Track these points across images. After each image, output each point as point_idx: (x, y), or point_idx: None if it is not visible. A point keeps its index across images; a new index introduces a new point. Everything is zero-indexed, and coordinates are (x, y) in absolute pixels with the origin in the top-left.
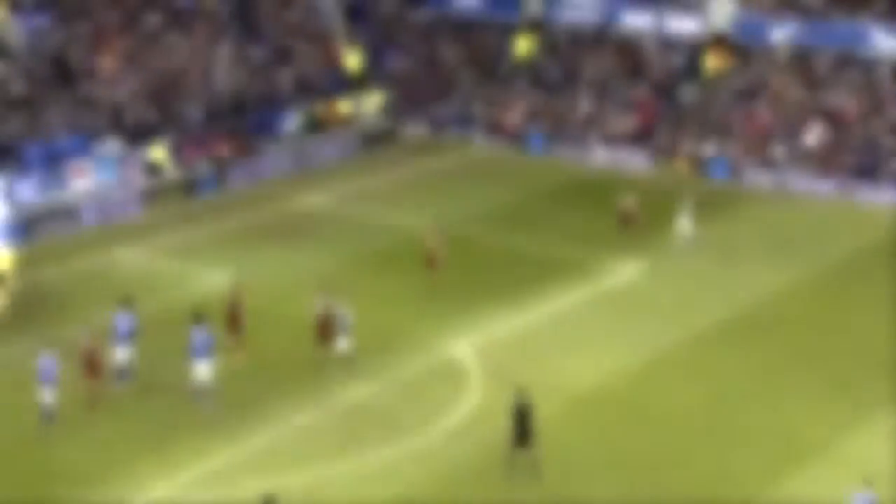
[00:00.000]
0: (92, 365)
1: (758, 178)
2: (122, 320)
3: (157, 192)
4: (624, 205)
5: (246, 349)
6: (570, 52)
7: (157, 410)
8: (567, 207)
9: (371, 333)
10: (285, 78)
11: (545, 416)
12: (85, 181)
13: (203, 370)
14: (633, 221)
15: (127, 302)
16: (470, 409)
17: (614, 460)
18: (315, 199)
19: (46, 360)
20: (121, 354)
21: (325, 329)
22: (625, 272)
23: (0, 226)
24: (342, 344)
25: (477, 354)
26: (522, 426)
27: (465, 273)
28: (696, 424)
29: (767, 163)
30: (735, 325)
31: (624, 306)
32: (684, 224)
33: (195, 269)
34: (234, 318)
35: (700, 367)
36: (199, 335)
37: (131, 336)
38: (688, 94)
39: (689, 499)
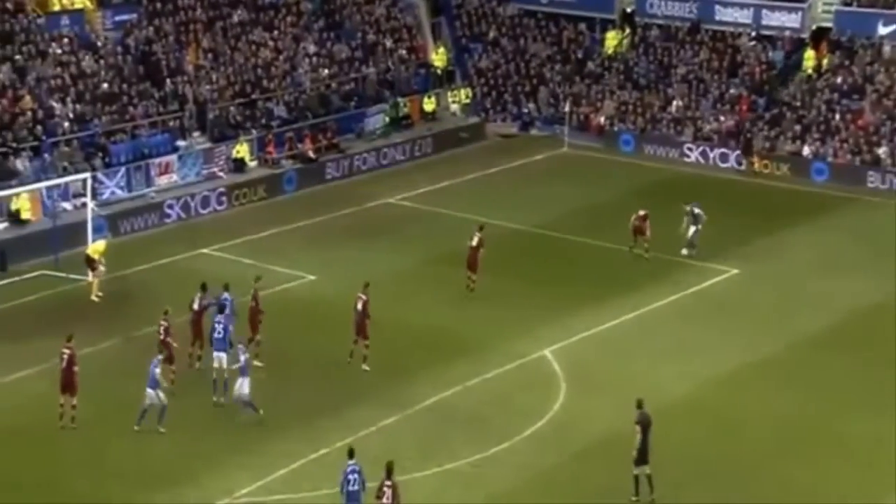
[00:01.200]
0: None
1: (861, 181)
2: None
3: (240, 189)
4: (635, 218)
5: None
6: (662, 47)
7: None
8: (657, 208)
9: (454, 334)
10: (370, 74)
11: (630, 422)
12: (170, 177)
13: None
14: (642, 235)
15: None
16: (555, 415)
17: (704, 470)
18: (399, 197)
19: (155, 366)
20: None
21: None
22: (717, 276)
23: (91, 219)
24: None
25: (562, 358)
26: (644, 441)
27: (550, 274)
28: (790, 435)
29: (871, 164)
30: (833, 333)
31: (715, 311)
32: (688, 230)
33: (276, 267)
34: (252, 318)
35: (795, 376)
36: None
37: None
38: (787, 91)
39: None
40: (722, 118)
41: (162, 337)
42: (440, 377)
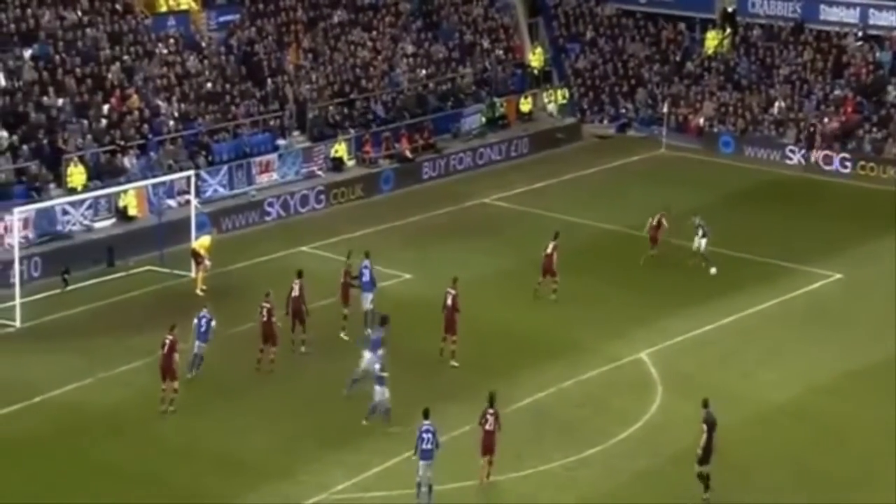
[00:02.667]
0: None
1: None
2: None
3: (338, 188)
4: (651, 224)
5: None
6: (764, 47)
7: (341, 408)
8: (758, 211)
9: (549, 336)
10: (467, 75)
11: (729, 427)
12: (270, 176)
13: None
14: (654, 241)
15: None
16: (650, 419)
17: (800, 478)
18: (495, 197)
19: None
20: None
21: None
22: (819, 280)
23: (194, 217)
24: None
25: (658, 362)
26: (709, 441)
27: (646, 276)
28: (891, 447)
29: None
30: None
31: (816, 317)
32: (700, 245)
33: (374, 266)
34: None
35: None
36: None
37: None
38: (895, 93)
39: None
40: (826, 120)
41: (264, 319)
42: (534, 378)
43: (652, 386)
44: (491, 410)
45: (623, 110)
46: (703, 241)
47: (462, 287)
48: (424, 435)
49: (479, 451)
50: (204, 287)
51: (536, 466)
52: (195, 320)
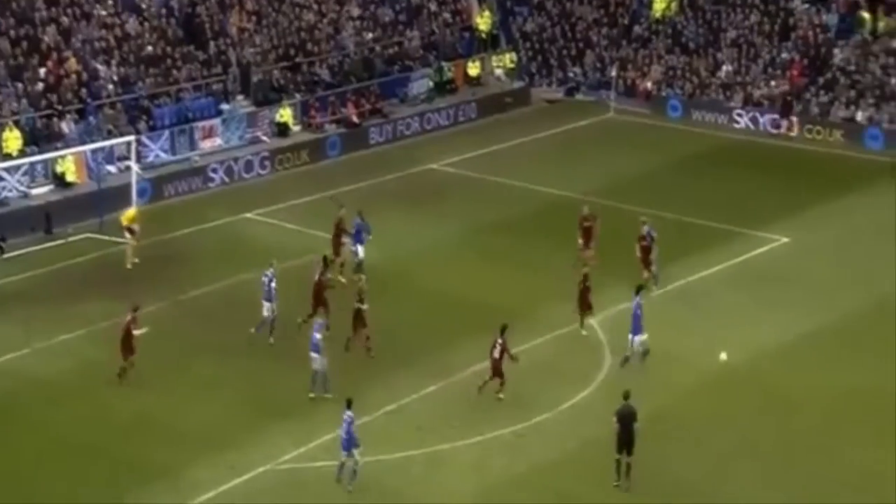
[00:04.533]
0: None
1: None
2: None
3: (284, 154)
4: (582, 218)
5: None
6: (712, 10)
7: (287, 379)
8: (706, 176)
9: (497, 303)
10: (414, 38)
11: (678, 392)
12: (213, 141)
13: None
14: (588, 240)
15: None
16: (599, 385)
17: (745, 446)
18: (443, 163)
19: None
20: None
21: None
22: (767, 245)
23: (135, 182)
24: None
25: (607, 328)
26: (627, 432)
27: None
28: (841, 414)
29: None
30: (889, 303)
31: (765, 281)
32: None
33: (319, 232)
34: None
35: (849, 351)
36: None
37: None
38: (841, 55)
39: (822, 494)
40: (773, 83)
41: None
42: (484, 345)
43: (601, 352)
44: (500, 340)
45: (571, 74)
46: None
47: (408, 254)
48: (344, 424)
49: (489, 374)
50: (135, 260)
51: (486, 433)
52: (262, 278)
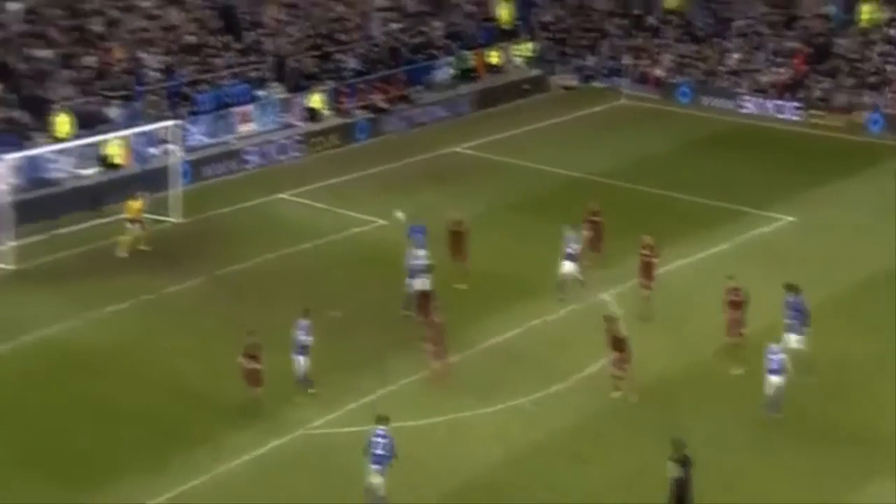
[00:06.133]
0: None
1: None
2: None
3: (315, 137)
4: (588, 211)
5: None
6: (721, 0)
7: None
8: (714, 158)
9: (517, 278)
10: (438, 28)
11: (686, 369)
12: (249, 125)
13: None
14: (596, 245)
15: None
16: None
17: (744, 411)
18: (465, 146)
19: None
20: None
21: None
22: (773, 223)
23: (176, 164)
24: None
25: (621, 302)
26: (682, 492)
27: (610, 222)
28: (839, 378)
29: None
30: (889, 277)
31: (771, 258)
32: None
33: (349, 212)
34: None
35: (851, 319)
36: None
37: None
38: (843, 44)
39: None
40: (779, 71)
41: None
42: (502, 319)
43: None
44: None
45: (586, 62)
46: (568, 266)
47: (433, 230)
48: (377, 440)
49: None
50: (145, 248)
51: (505, 402)
52: (297, 331)
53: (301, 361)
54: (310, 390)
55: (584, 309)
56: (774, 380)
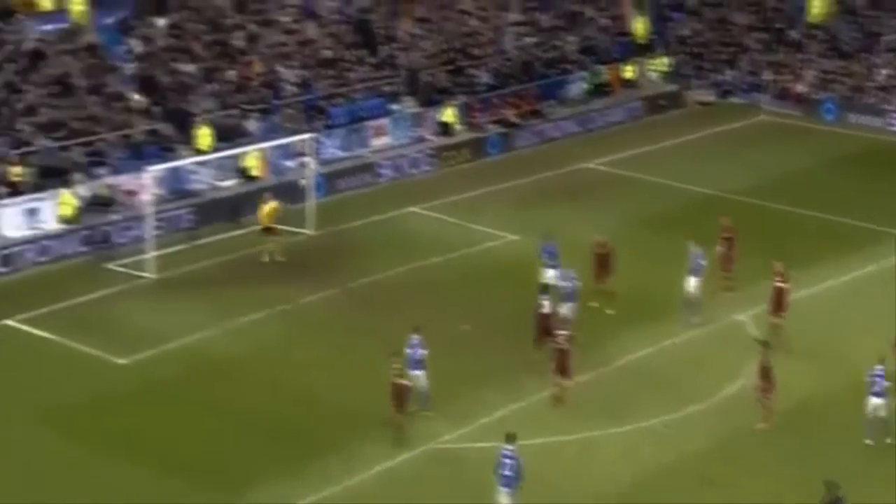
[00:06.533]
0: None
1: None
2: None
3: (447, 151)
4: (721, 228)
5: None
6: (869, 14)
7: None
8: (860, 178)
9: (650, 297)
10: (572, 43)
11: (826, 392)
12: (382, 139)
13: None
14: (605, 270)
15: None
16: (749, 380)
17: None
18: (598, 161)
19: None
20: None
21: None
22: None
23: (312, 177)
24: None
25: (757, 324)
26: None
27: (746, 241)
28: None
29: None
30: None
31: None
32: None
33: (480, 226)
34: (602, 269)
35: None
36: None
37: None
38: None
39: None
40: None
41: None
42: (635, 337)
43: (751, 347)
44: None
45: (725, 77)
46: (693, 280)
47: (564, 246)
48: (505, 461)
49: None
50: (281, 258)
51: (636, 422)
52: (409, 350)
53: (420, 377)
54: (425, 412)
55: (718, 329)
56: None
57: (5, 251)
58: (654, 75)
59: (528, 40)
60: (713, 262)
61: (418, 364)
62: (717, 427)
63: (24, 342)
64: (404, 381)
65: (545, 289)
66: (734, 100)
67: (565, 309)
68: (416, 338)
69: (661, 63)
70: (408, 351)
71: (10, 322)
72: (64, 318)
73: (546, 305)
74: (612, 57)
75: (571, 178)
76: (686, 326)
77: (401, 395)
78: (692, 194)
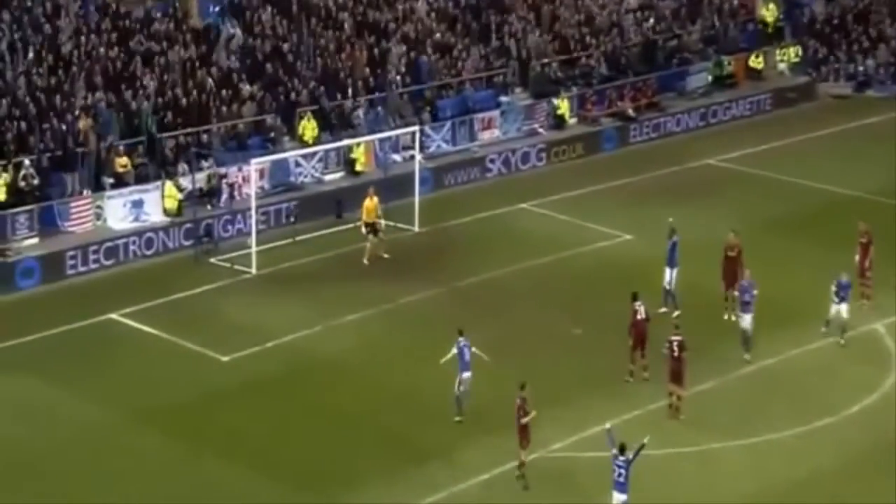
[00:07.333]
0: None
1: None
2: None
3: (559, 146)
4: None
5: None
6: None
7: (558, 367)
8: None
9: (775, 302)
10: (695, 31)
11: None
12: (492, 132)
13: None
14: (864, 271)
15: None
16: (886, 392)
17: None
18: (720, 158)
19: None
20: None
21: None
22: None
23: (418, 171)
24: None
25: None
26: None
27: (883, 245)
28: None
29: None
30: None
31: None
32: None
33: (593, 225)
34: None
35: None
36: None
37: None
38: None
39: None
40: None
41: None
42: (762, 344)
43: (886, 358)
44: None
45: (862, 69)
46: (839, 307)
47: (684, 249)
48: (618, 469)
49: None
50: (384, 255)
51: (762, 434)
52: (457, 349)
53: (468, 379)
54: (456, 418)
55: (852, 339)
56: None
57: (109, 243)
58: (783, 66)
59: (648, 27)
60: (853, 275)
61: (467, 365)
62: (853, 442)
63: (127, 336)
64: (529, 420)
65: (636, 296)
66: (871, 93)
67: (745, 322)
68: (462, 339)
69: (791, 52)
70: (459, 352)
71: (113, 315)
72: (167, 313)
73: (642, 311)
74: (738, 46)
75: (691, 175)
76: (815, 335)
77: (526, 434)
78: (823, 193)
